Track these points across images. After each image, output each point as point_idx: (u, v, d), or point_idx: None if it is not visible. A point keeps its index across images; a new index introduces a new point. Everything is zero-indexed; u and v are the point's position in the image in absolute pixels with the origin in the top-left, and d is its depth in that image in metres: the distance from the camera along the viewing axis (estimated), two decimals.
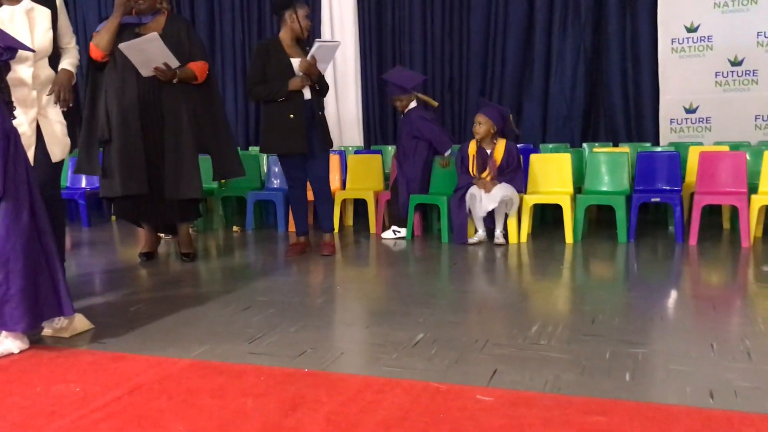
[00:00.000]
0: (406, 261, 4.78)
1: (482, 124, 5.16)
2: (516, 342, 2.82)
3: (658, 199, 5.11)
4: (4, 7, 3.60)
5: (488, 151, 5.23)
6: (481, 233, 5.23)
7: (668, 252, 4.80)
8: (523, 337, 2.88)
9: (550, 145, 6.76)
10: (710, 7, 6.55)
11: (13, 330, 2.83)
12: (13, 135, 2.88)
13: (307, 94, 4.65)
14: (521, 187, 5.18)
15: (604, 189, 5.37)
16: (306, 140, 4.64)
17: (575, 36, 7.04)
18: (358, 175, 6.18)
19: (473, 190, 5.08)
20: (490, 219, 5.18)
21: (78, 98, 3.88)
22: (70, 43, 3.72)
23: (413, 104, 5.56)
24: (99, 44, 4.24)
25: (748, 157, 5.13)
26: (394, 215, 5.57)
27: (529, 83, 7.32)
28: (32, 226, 2.92)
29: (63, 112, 3.64)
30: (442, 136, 5.52)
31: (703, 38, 6.60)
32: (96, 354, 2.80)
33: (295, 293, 3.82)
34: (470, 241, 5.19)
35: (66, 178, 6.94)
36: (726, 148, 5.59)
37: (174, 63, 4.25)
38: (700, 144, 6.42)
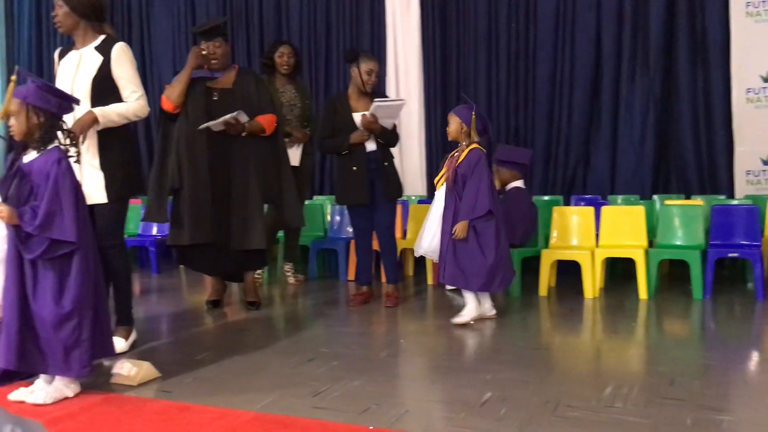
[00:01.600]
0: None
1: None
2: (590, 404, 2.69)
3: (736, 255, 4.89)
4: (72, 51, 3.76)
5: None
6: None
7: (748, 310, 4.56)
8: (597, 399, 2.76)
9: (620, 197, 6.59)
10: None
11: (80, 376, 2.89)
12: (80, 189, 2.99)
13: (370, 146, 4.68)
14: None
15: (678, 243, 5.17)
16: (369, 191, 4.66)
17: (644, 85, 6.91)
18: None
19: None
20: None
21: (129, 145, 3.90)
22: (129, 96, 3.69)
23: (519, 183, 5.34)
24: (170, 97, 4.37)
25: None
26: None
27: (597, 133, 7.20)
28: (98, 274, 3.01)
29: (117, 159, 3.67)
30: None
31: None
32: (163, 403, 2.81)
33: (358, 345, 3.77)
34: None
35: (138, 225, 7.15)
36: None
37: (244, 118, 4.36)
38: None
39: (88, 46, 3.71)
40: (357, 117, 4.65)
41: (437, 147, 7.78)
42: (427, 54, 7.85)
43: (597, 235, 5.32)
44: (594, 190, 7.04)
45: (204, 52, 4.40)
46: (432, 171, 7.76)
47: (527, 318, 4.48)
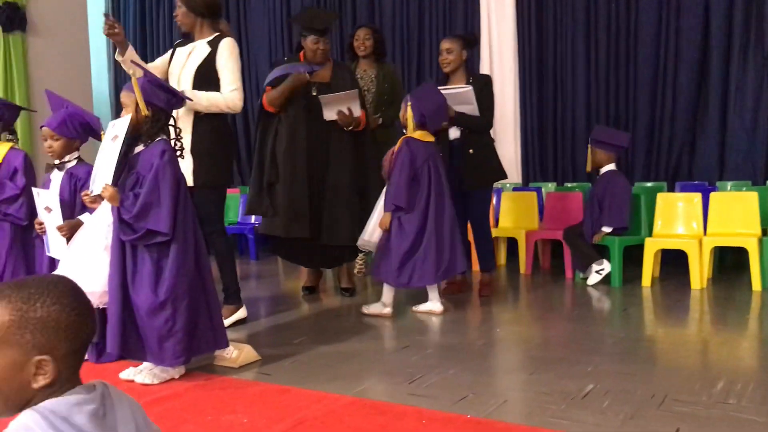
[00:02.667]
0: (567, 304, 4.55)
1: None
2: (700, 399, 2.55)
3: None
4: (188, 44, 3.93)
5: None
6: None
7: None
8: (708, 394, 2.60)
9: (729, 183, 6.23)
10: None
11: (171, 365, 2.97)
12: (183, 182, 3.06)
13: (454, 133, 4.60)
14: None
15: None
16: (452, 180, 4.57)
17: (757, 64, 6.48)
18: (512, 214, 6.02)
19: None
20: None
21: (222, 136, 3.97)
22: (225, 88, 3.78)
23: (612, 166, 5.16)
24: (272, 104, 4.40)
25: None
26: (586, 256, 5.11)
27: (704, 117, 6.81)
28: (196, 267, 3.07)
29: (208, 147, 3.78)
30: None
31: None
32: (263, 386, 2.87)
33: (453, 334, 3.74)
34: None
35: (237, 214, 7.37)
36: None
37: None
38: None
39: (202, 40, 3.87)
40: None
41: (533, 134, 7.59)
42: (523, 37, 7.65)
43: (705, 224, 5.04)
44: (700, 177, 6.68)
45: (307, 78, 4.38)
46: (528, 158, 7.60)
47: (629, 309, 4.31)
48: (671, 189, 6.41)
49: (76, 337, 1.15)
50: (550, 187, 6.84)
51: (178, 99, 3.21)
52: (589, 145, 5.11)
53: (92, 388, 1.14)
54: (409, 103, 4.20)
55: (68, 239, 3.25)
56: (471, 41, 4.65)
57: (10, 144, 3.64)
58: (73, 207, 3.32)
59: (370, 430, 2.33)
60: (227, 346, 3.18)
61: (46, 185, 3.45)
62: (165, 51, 4.29)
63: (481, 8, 7.78)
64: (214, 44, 3.84)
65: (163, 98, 3.11)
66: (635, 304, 4.45)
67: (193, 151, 3.71)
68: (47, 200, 3.35)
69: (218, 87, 3.80)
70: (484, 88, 4.58)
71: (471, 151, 4.57)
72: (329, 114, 4.40)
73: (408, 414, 2.47)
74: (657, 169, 7.03)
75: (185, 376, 3.01)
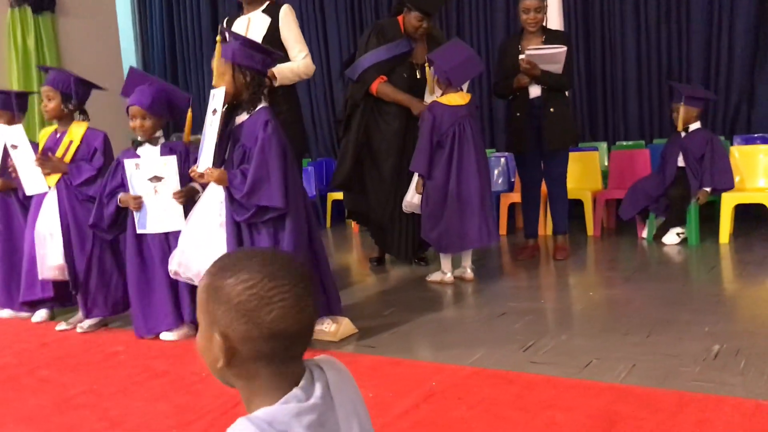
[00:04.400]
0: (652, 264, 4.41)
1: None
2: None
3: None
4: (241, 16, 3.85)
5: None
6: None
7: None
8: None
9: None
10: None
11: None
12: (290, 151, 2.95)
13: (534, 91, 4.44)
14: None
15: None
16: (533, 139, 4.45)
17: None
18: (573, 175, 5.84)
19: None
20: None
21: (294, 105, 3.90)
22: (297, 56, 3.76)
23: (698, 124, 4.92)
24: (380, 94, 4.31)
25: None
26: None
27: (763, 65, 6.57)
28: (308, 237, 3.00)
29: (285, 118, 3.66)
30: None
31: None
32: (371, 358, 2.78)
33: (547, 299, 3.63)
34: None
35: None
36: None
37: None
38: None
39: (255, 10, 3.77)
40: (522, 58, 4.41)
41: (581, 93, 7.38)
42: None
43: None
44: (760, 129, 6.46)
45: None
46: (580, 117, 7.39)
47: (716, 267, 4.18)
48: (729, 142, 6.21)
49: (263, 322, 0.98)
50: (603, 147, 6.66)
51: (273, 58, 3.08)
52: (679, 104, 4.85)
53: (311, 384, 1.01)
54: (432, 66, 4.05)
55: (184, 206, 3.22)
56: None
57: (86, 123, 3.54)
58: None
59: (506, 401, 2.23)
60: (341, 312, 3.11)
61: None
62: (193, 38, 4.09)
63: None
64: (272, 13, 3.80)
65: (259, 60, 2.97)
66: (719, 261, 4.31)
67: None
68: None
69: (285, 56, 3.69)
70: (565, 41, 4.44)
71: (552, 110, 4.41)
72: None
73: (538, 382, 2.37)
74: (714, 121, 6.80)
75: None
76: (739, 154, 4.98)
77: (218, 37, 3.02)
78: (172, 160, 3.24)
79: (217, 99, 2.93)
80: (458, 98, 3.98)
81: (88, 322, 3.56)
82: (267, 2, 3.83)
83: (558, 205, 4.64)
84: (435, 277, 4.12)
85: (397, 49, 4.27)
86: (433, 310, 3.50)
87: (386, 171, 4.35)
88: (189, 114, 3.40)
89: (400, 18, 4.36)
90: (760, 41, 6.57)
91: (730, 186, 4.72)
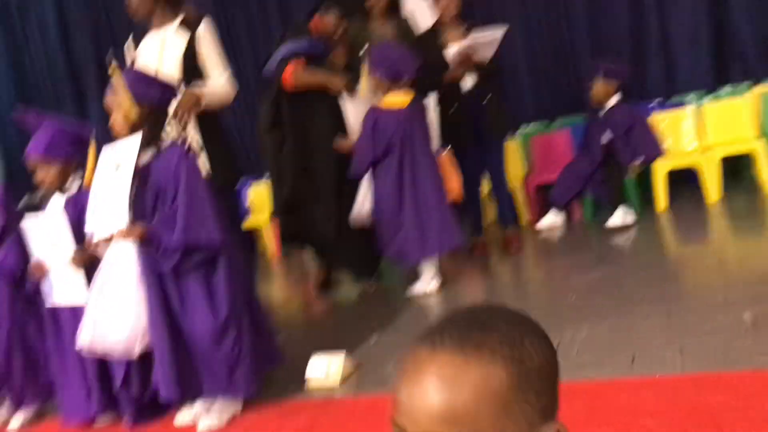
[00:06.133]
0: (610, 242, 4.32)
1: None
2: None
3: None
4: (148, 35, 3.36)
5: None
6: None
7: None
8: None
9: (688, 96, 6.26)
10: None
11: (247, 395, 2.58)
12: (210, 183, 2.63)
13: (467, 84, 4.26)
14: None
15: None
16: (469, 132, 4.27)
17: None
18: None
19: None
20: None
21: (223, 125, 3.52)
22: (219, 77, 3.32)
23: (617, 96, 4.82)
24: (298, 84, 3.86)
25: None
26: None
27: (646, 37, 6.81)
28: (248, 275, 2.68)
29: (219, 139, 3.36)
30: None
31: None
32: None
33: (530, 295, 3.45)
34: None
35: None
36: None
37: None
38: None
39: (168, 27, 3.32)
40: (450, 51, 4.21)
41: None
42: None
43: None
44: (654, 95, 6.66)
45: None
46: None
47: (690, 235, 4.19)
48: None
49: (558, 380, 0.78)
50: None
51: (172, 90, 2.73)
52: (597, 80, 4.83)
53: None
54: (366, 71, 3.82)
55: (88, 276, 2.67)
56: None
57: None
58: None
59: (582, 418, 1.98)
60: (283, 360, 2.75)
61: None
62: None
63: None
64: (190, 28, 3.33)
65: (158, 92, 2.62)
66: (684, 229, 4.31)
67: (207, 149, 3.20)
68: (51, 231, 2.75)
69: (206, 76, 3.30)
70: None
71: (490, 96, 4.24)
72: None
73: (600, 390, 2.15)
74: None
75: (282, 413, 2.54)
76: (661, 120, 5.04)
77: (112, 65, 2.57)
78: (59, 219, 2.74)
79: (124, 152, 2.51)
80: (401, 99, 3.72)
81: (19, 418, 2.99)
82: (181, 17, 3.36)
83: (502, 196, 4.51)
84: (418, 289, 3.82)
85: (312, 46, 3.92)
86: (413, 328, 3.21)
87: (327, 179, 3.96)
88: (92, 149, 2.89)
89: (312, 22, 4.04)
90: (637, 15, 6.81)
91: (660, 154, 4.77)
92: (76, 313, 2.68)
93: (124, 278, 2.46)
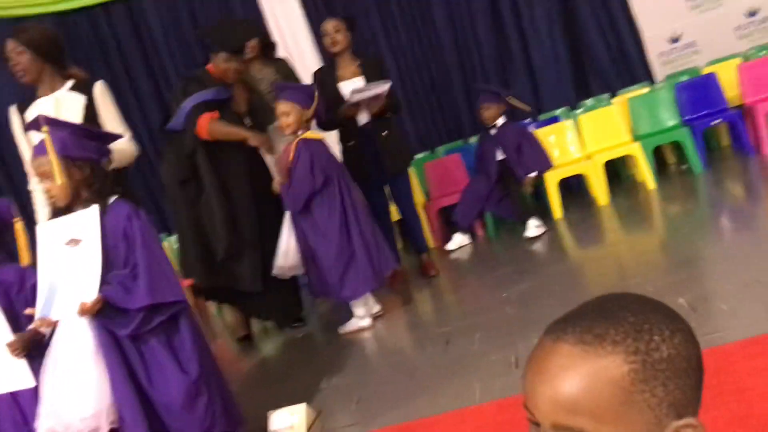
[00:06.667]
0: (535, 253, 4.45)
1: (287, 116, 3.63)
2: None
3: (719, 120, 5.11)
4: (39, 99, 3.16)
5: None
6: None
7: (749, 163, 4.76)
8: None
9: (557, 111, 6.68)
10: None
11: None
12: None
13: (363, 118, 4.29)
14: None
15: (665, 126, 5.27)
16: (370, 166, 4.29)
17: (542, 1, 7.01)
18: None
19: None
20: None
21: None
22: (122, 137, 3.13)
23: (503, 118, 5.07)
24: (212, 133, 3.74)
25: None
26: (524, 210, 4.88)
27: (510, 62, 7.23)
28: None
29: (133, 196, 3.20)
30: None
31: None
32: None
33: (471, 314, 3.46)
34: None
35: None
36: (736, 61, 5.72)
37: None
38: (695, 68, 6.52)
39: (60, 89, 3.13)
40: (344, 87, 4.23)
41: None
42: (315, 25, 7.42)
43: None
44: (522, 116, 7.06)
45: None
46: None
47: (588, 234, 4.40)
48: None
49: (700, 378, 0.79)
50: None
51: (109, 140, 2.58)
52: (486, 103, 5.04)
53: None
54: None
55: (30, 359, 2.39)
56: (352, 22, 4.35)
57: None
58: (16, 320, 2.44)
59: None
60: (243, 421, 2.61)
61: None
62: None
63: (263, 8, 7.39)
64: (84, 90, 3.19)
65: (94, 148, 2.45)
66: (583, 232, 4.55)
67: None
68: None
69: None
70: (382, 68, 4.38)
71: (386, 133, 4.28)
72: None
73: None
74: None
75: None
76: (545, 135, 5.32)
77: (44, 128, 2.36)
78: None
79: (79, 226, 2.32)
80: (317, 133, 3.70)
81: None
82: (72, 79, 3.19)
83: (414, 223, 4.56)
84: (350, 326, 3.73)
85: (218, 94, 3.82)
86: (362, 367, 3.16)
87: (250, 228, 3.83)
88: (18, 225, 2.65)
89: (209, 67, 3.93)
90: (501, 40, 7.22)
91: (550, 165, 5.04)
92: (16, 397, 2.40)
93: (78, 353, 2.23)
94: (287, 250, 3.71)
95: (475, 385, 2.50)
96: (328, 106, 4.23)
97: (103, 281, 2.29)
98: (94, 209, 2.33)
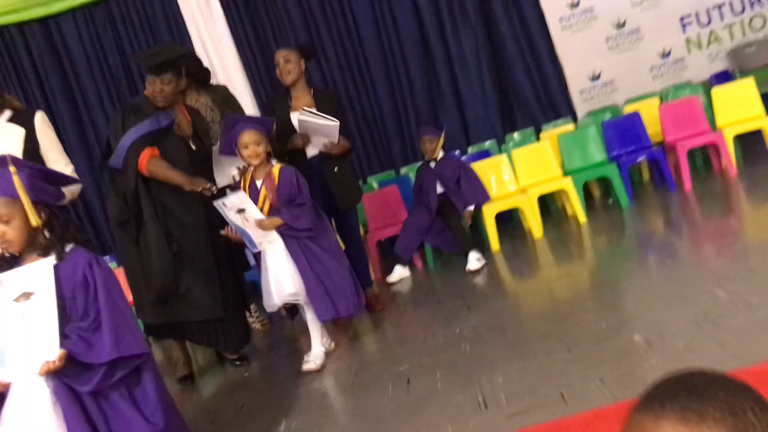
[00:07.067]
0: (475, 284, 4.54)
1: (257, 145, 3.58)
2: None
3: (644, 157, 5.39)
4: None
5: (258, 184, 3.62)
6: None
7: (710, 192, 5.01)
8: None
9: (486, 144, 6.87)
10: None
11: None
12: None
13: (312, 151, 4.25)
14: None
15: (593, 162, 5.51)
16: (318, 199, 4.26)
17: (469, 39, 7.21)
18: None
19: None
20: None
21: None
22: (64, 171, 3.06)
23: (442, 152, 5.24)
24: (150, 173, 3.66)
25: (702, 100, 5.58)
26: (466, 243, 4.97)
27: (440, 98, 7.37)
28: None
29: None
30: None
31: (586, 10, 7.07)
32: None
33: (420, 354, 3.45)
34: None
35: None
36: (654, 100, 6.08)
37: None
38: (615, 106, 6.88)
39: None
40: (294, 117, 4.20)
41: None
42: (246, 59, 7.37)
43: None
44: (451, 148, 7.20)
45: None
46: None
47: (528, 267, 4.51)
48: None
49: None
50: None
51: (64, 183, 2.47)
52: (427, 137, 5.14)
53: None
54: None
55: None
56: (308, 51, 4.32)
57: None
58: None
59: None
60: None
61: None
62: None
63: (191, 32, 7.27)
64: (23, 122, 3.08)
65: (53, 192, 2.35)
66: (527, 262, 4.67)
67: None
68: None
69: None
70: (337, 102, 4.34)
71: (337, 168, 4.26)
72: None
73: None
74: (413, 151, 7.38)
75: None
76: (479, 170, 5.45)
77: (11, 168, 2.23)
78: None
79: (32, 277, 2.19)
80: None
81: None
82: (9, 109, 3.04)
83: (360, 259, 4.53)
84: (314, 362, 3.61)
85: (158, 122, 3.71)
86: (333, 407, 3.10)
87: (204, 255, 3.75)
88: None
89: (147, 93, 3.82)
90: (431, 76, 7.37)
91: (487, 198, 5.16)
92: None
93: (36, 413, 2.08)
94: (283, 279, 3.59)
95: (447, 426, 2.50)
96: (278, 136, 4.19)
97: (61, 335, 2.17)
98: (47, 262, 2.21)
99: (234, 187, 3.72)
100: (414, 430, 2.58)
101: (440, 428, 2.51)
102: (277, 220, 3.54)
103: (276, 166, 3.65)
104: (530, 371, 2.79)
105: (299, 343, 4.16)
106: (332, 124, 4.10)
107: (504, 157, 5.55)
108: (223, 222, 3.60)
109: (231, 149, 3.62)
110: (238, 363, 4.15)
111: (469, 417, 2.53)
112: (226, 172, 3.92)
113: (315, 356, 3.63)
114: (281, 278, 3.61)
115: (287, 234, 3.57)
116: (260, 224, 3.52)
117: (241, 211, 3.48)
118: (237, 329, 3.97)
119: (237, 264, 4.06)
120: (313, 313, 3.62)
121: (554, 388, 2.53)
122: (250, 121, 3.67)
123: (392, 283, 5.12)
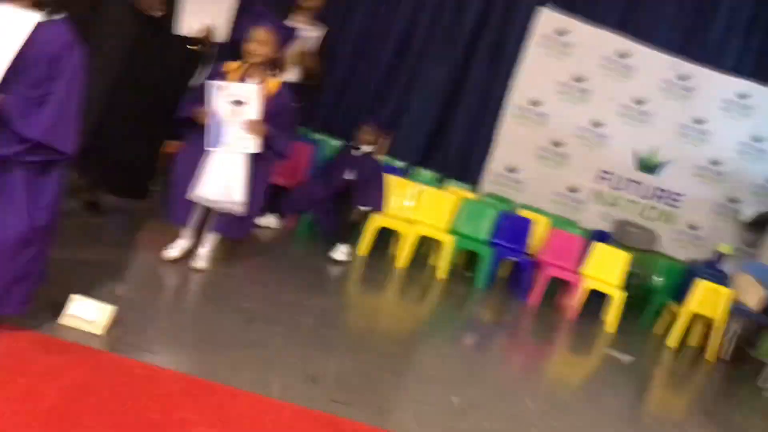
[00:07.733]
0: (320, 275, 4.72)
1: (262, 44, 3.52)
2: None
3: (516, 259, 5.87)
4: None
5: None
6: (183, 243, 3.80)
7: (546, 319, 5.55)
8: None
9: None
10: (555, 92, 7.55)
11: (19, 313, 2.36)
12: None
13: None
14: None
15: (473, 235, 5.90)
16: None
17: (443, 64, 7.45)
18: None
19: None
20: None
21: None
22: None
23: (370, 147, 5.38)
24: None
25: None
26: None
27: (408, 96, 7.53)
28: None
29: None
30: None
31: (541, 114, 7.58)
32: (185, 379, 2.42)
33: (283, 306, 3.59)
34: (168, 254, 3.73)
35: None
36: (541, 218, 6.63)
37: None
38: (512, 201, 7.38)
39: None
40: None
41: None
42: None
43: None
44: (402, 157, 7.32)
45: None
46: None
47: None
48: None
49: None
50: None
51: None
52: (369, 125, 5.29)
53: None
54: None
55: None
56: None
57: None
58: None
59: None
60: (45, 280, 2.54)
61: None
62: None
63: None
64: None
65: None
66: (383, 281, 4.93)
67: None
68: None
69: None
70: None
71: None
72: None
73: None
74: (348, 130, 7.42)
75: (40, 346, 2.33)
76: (393, 182, 5.66)
77: None
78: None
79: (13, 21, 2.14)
80: None
81: None
82: None
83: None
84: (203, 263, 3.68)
85: None
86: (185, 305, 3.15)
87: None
88: None
89: None
90: (391, 75, 7.54)
91: (380, 208, 5.39)
92: None
93: None
94: (235, 186, 3.55)
95: (273, 382, 2.66)
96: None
97: (4, 84, 2.12)
98: (33, 14, 2.16)
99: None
100: (242, 361, 2.71)
101: (267, 383, 2.65)
102: (265, 129, 3.48)
103: (276, 80, 3.65)
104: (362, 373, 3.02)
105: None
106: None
107: (416, 186, 5.81)
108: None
109: (240, 34, 3.57)
110: (90, 208, 4.03)
111: (295, 383, 2.70)
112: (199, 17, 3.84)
113: (203, 257, 3.74)
114: (233, 184, 3.57)
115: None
116: (252, 124, 3.45)
117: (237, 103, 3.39)
118: (132, 181, 3.95)
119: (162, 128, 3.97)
120: (223, 225, 3.69)
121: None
122: (272, 22, 3.64)
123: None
